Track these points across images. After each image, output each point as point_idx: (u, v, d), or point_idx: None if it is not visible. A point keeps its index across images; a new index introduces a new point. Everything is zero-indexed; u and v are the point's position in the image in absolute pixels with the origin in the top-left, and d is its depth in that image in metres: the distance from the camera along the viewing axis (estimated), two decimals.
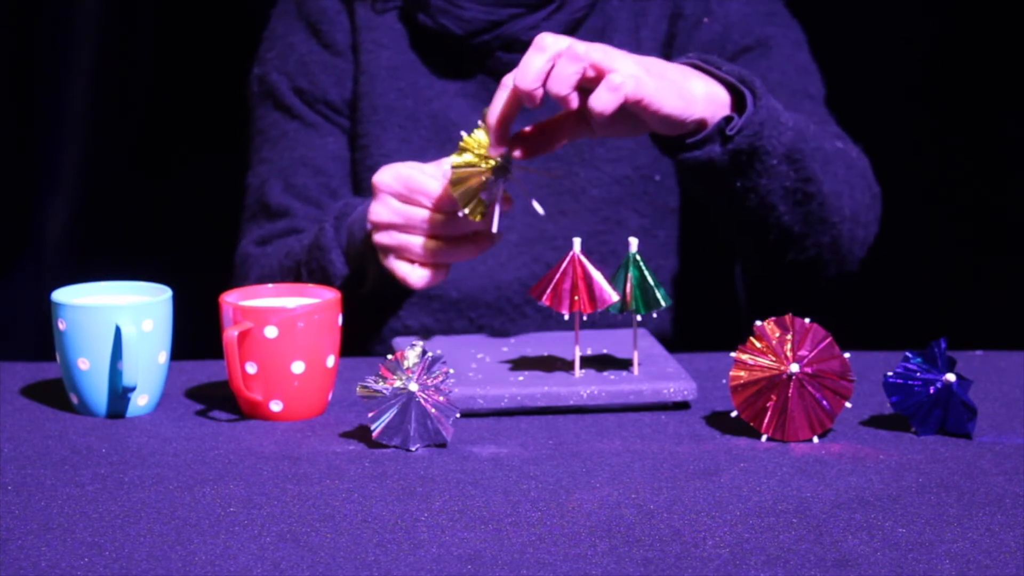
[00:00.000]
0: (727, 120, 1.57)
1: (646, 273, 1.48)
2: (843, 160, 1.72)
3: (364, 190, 1.86)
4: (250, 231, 1.91)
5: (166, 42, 2.69)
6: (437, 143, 1.85)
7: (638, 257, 1.48)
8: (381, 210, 1.59)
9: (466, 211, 1.53)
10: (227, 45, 2.68)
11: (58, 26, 2.62)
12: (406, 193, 1.57)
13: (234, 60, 2.60)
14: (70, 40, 2.63)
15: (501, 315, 1.83)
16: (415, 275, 1.60)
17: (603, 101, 1.48)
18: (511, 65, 1.79)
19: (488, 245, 1.58)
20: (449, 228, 1.57)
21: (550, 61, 1.49)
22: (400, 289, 1.68)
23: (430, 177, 1.57)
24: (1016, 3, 2.52)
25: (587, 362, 1.55)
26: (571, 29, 1.82)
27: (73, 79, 2.64)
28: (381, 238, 1.60)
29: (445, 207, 1.56)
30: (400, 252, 1.60)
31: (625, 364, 1.54)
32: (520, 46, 1.81)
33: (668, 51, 1.84)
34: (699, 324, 1.90)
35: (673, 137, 1.57)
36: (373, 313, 1.79)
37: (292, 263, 1.76)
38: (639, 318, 1.51)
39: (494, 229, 1.54)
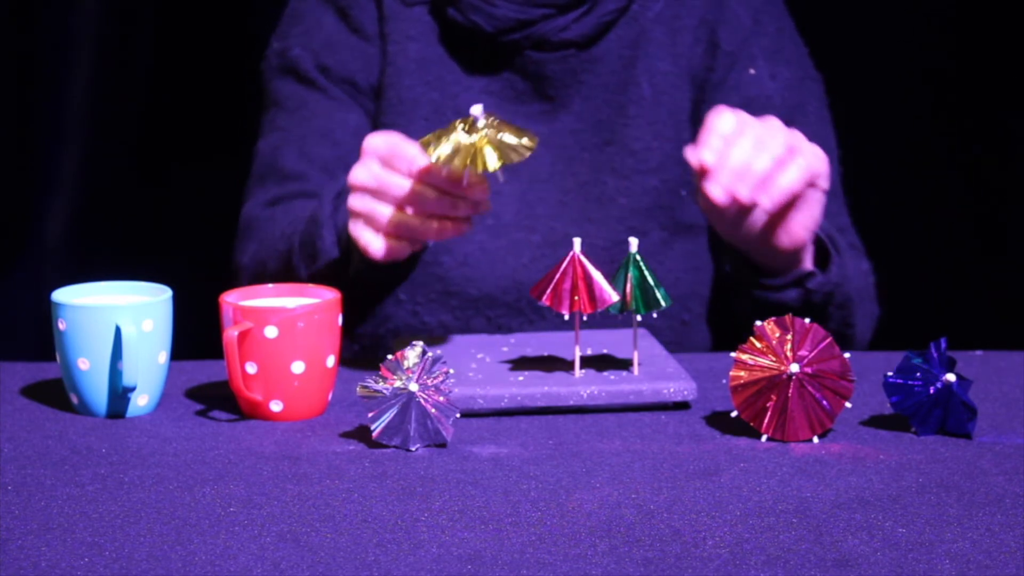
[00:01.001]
0: (810, 273, 1.66)
1: (646, 273, 1.48)
2: (870, 295, 1.82)
3: None
4: (257, 194, 1.89)
5: (166, 42, 2.69)
6: None
7: (638, 257, 1.48)
8: (361, 172, 1.59)
9: (440, 159, 1.51)
10: (227, 45, 2.68)
11: (58, 26, 2.62)
12: (387, 157, 1.57)
13: (234, 60, 2.61)
14: (70, 40, 2.63)
15: (520, 316, 1.83)
16: (375, 244, 1.59)
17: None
18: (541, 64, 1.81)
19: (454, 233, 1.57)
20: (420, 202, 1.56)
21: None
22: (381, 276, 1.69)
23: (412, 145, 1.56)
24: (1016, 5, 2.52)
25: (587, 362, 1.55)
26: (600, 33, 1.82)
27: (73, 79, 2.64)
28: (354, 202, 1.60)
29: (422, 178, 1.55)
30: (368, 219, 1.59)
31: (625, 364, 1.54)
32: (550, 46, 1.81)
33: (703, 78, 1.85)
34: (712, 337, 1.90)
35: (749, 271, 1.68)
36: (362, 300, 1.78)
37: (292, 230, 1.76)
38: (639, 318, 1.51)
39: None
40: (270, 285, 1.53)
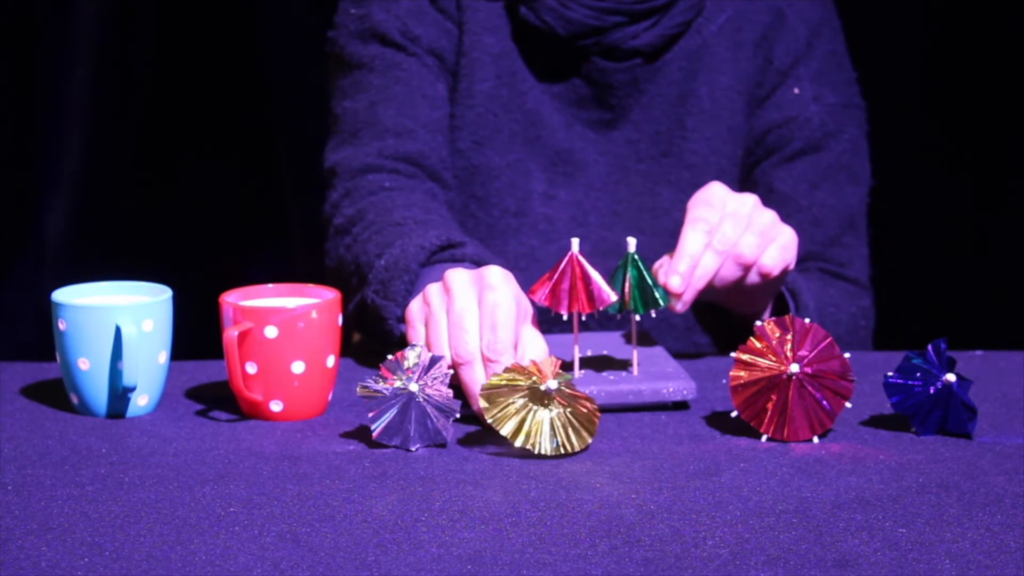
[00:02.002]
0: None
1: (644, 273, 1.48)
2: (857, 337, 1.82)
3: (453, 171, 1.85)
4: (349, 149, 1.80)
5: (166, 43, 2.69)
6: (524, 139, 1.84)
7: (636, 257, 1.48)
8: (428, 300, 1.47)
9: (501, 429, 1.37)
10: (227, 46, 2.69)
11: (59, 28, 2.62)
12: (459, 317, 1.44)
13: (234, 61, 2.61)
14: (70, 41, 2.63)
15: (562, 322, 1.83)
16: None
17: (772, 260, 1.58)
18: (607, 73, 1.80)
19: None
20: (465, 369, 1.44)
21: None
22: None
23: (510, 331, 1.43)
24: (1017, 8, 2.53)
25: (586, 362, 1.55)
26: (667, 44, 1.82)
27: (73, 80, 2.64)
28: (412, 314, 1.50)
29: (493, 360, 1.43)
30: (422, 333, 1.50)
31: (624, 364, 1.54)
32: (619, 54, 1.80)
33: (755, 94, 1.85)
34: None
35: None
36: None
37: (394, 238, 1.65)
38: (637, 318, 1.51)
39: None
40: (270, 285, 1.53)
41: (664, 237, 1.83)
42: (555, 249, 1.83)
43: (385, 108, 1.81)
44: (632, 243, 1.49)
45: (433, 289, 1.47)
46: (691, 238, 1.54)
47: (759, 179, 1.85)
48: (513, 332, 1.42)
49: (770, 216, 1.58)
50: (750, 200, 1.58)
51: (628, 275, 1.49)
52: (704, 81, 1.83)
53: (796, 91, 1.84)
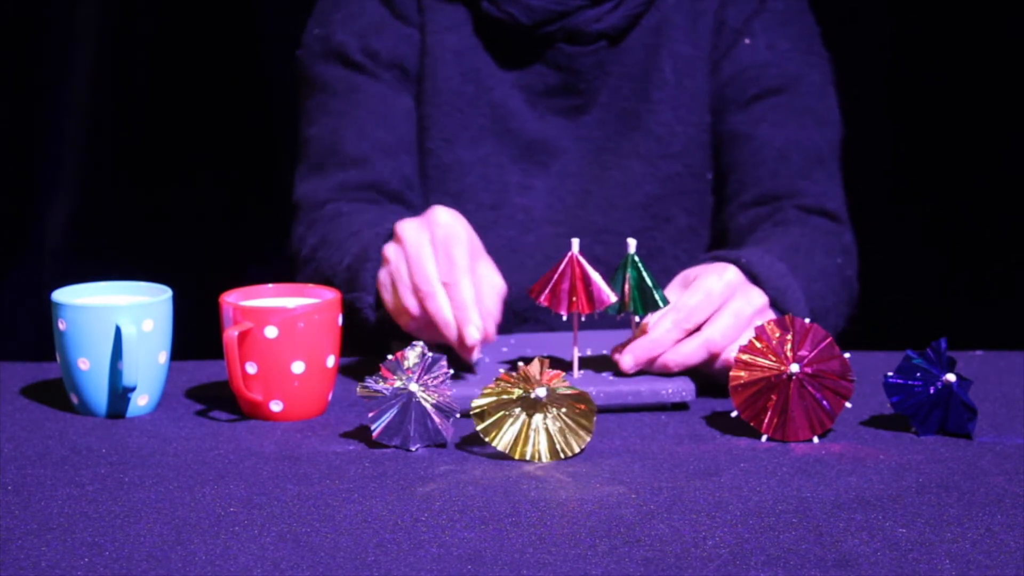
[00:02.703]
0: None
1: (644, 274, 1.48)
2: (844, 296, 1.77)
3: (424, 171, 1.85)
4: (315, 179, 1.84)
5: (167, 44, 2.69)
6: (494, 132, 1.84)
7: (636, 258, 1.48)
8: (400, 244, 1.54)
9: (495, 445, 1.38)
10: (228, 45, 2.69)
11: (58, 28, 2.62)
12: (441, 242, 1.50)
13: (234, 61, 2.61)
14: (71, 43, 2.63)
15: (545, 309, 1.83)
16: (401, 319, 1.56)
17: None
18: (573, 58, 1.81)
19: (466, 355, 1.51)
20: (422, 318, 1.52)
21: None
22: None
23: (465, 252, 1.50)
24: (1016, 5, 2.53)
25: (586, 362, 1.55)
26: (631, 24, 1.83)
27: (73, 80, 2.64)
28: (384, 274, 1.56)
29: (450, 287, 1.49)
30: (391, 291, 1.56)
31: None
32: (584, 38, 1.81)
33: (711, 57, 1.85)
34: None
35: None
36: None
37: (358, 248, 1.69)
38: (637, 319, 1.51)
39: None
40: (270, 285, 1.53)
41: (635, 211, 1.83)
42: (534, 239, 1.84)
43: (346, 136, 1.84)
44: (632, 244, 1.49)
45: (389, 247, 1.55)
46: (659, 326, 1.50)
47: (723, 129, 1.85)
48: (467, 258, 1.50)
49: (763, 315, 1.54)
50: (757, 302, 1.53)
51: (628, 276, 1.48)
52: (666, 55, 1.84)
53: (747, 41, 1.84)
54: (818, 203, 1.82)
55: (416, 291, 1.51)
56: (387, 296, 1.55)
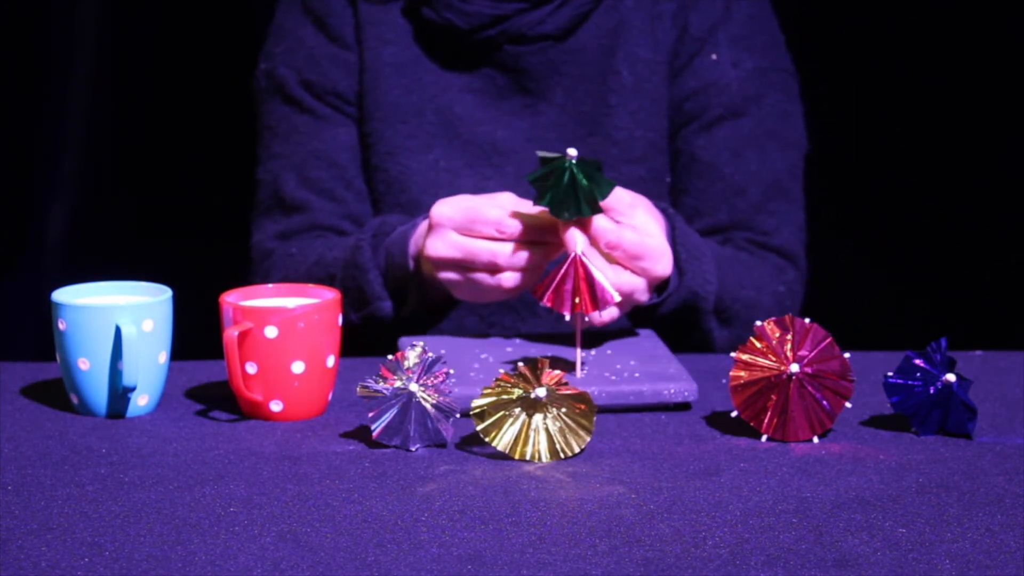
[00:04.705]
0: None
1: (579, 178, 1.46)
2: (773, 307, 1.81)
3: (374, 186, 1.86)
4: (265, 226, 1.90)
5: (166, 45, 2.69)
6: (443, 139, 1.85)
7: (574, 164, 1.46)
8: (439, 245, 1.57)
9: (496, 446, 1.37)
10: (226, 46, 2.69)
11: (59, 28, 2.62)
12: (466, 223, 1.55)
13: (233, 62, 2.61)
14: (71, 42, 2.63)
15: (512, 312, 1.83)
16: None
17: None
18: (519, 57, 1.81)
19: (555, 254, 1.55)
20: (517, 260, 1.55)
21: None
22: (440, 311, 1.70)
23: (492, 206, 1.54)
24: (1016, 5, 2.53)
25: (587, 362, 1.55)
26: (577, 24, 1.82)
27: (74, 81, 2.64)
28: (446, 275, 1.58)
29: (515, 235, 1.54)
30: (470, 288, 1.58)
31: (626, 364, 1.54)
32: (527, 40, 1.81)
33: (673, 64, 1.85)
34: None
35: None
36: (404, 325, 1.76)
37: (324, 274, 1.75)
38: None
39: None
40: (270, 285, 1.53)
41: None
42: None
43: (286, 180, 1.87)
44: (572, 152, 1.47)
45: (431, 243, 1.57)
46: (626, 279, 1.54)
47: (681, 147, 1.85)
48: (491, 206, 1.54)
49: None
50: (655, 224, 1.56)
51: (565, 179, 1.46)
52: (623, 57, 1.83)
53: (714, 57, 1.84)
54: (770, 240, 1.85)
55: (501, 236, 1.53)
56: (445, 275, 1.57)
